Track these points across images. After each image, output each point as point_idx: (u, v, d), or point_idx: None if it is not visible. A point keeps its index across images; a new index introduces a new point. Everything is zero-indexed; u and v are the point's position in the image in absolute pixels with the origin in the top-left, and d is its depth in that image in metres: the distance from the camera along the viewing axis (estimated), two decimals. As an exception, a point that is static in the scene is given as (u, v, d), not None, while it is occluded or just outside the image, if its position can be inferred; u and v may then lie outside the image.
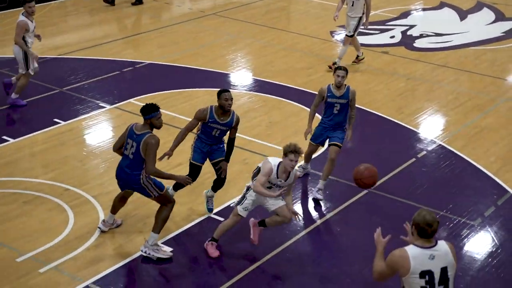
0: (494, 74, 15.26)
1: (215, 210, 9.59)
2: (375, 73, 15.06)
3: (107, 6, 19.30)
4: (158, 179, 8.31)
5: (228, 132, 9.15)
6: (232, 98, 8.99)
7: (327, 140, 10.12)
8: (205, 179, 10.01)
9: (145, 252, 8.42)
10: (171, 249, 8.61)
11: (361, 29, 14.89)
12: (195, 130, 9.19)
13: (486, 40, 17.45)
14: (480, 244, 9.24)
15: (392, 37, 17.50)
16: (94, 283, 8.13)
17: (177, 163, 10.57)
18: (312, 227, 9.50)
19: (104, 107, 12.91)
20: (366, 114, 13.06)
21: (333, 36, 17.28)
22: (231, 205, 9.01)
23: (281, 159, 8.26)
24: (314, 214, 9.84)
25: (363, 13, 14.61)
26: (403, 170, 11.01)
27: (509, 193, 10.43)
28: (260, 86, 14.14)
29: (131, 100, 13.19)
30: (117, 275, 8.31)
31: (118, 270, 8.40)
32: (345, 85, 9.91)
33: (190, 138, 9.40)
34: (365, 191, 10.17)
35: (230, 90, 13.62)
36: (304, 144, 9.73)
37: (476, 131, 12.48)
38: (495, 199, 10.26)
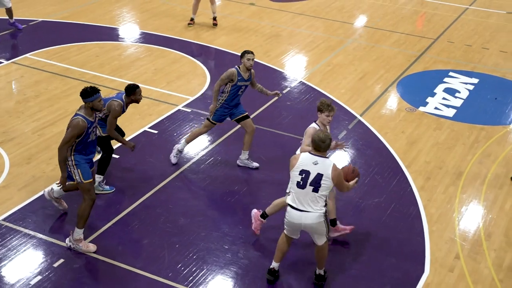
0: (342, 19, 15.61)
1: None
2: (244, 22, 15.04)
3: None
4: (89, 170, 7.32)
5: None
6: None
7: (231, 116, 9.18)
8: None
9: (69, 246, 7.48)
10: (95, 248, 7.48)
11: None
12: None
13: (335, -9, 17.74)
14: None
15: (257, -10, 17.46)
16: (4, 220, 7.90)
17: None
18: (197, 157, 9.54)
19: (2, 62, 12.25)
20: (237, 58, 13.05)
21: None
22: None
23: (315, 124, 7.68)
24: (200, 146, 9.85)
25: None
26: (271, 105, 11.20)
27: (357, 118, 10.86)
28: (145, 38, 13.83)
29: (27, 55, 12.58)
30: (25, 212, 8.09)
31: (26, 207, 8.17)
32: None
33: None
34: (238, 126, 10.29)
35: (118, 42, 13.49)
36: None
37: (329, 68, 12.80)
38: (347, 124, 10.65)
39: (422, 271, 7.45)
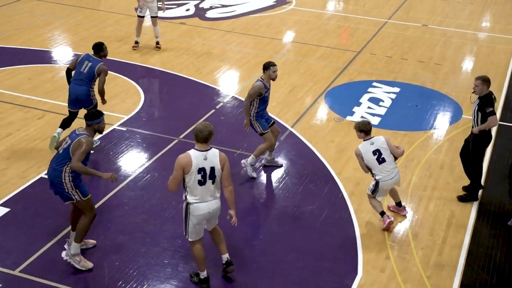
0: (270, 35, 15.78)
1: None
2: (176, 41, 14.99)
3: None
4: (85, 187, 7.25)
5: None
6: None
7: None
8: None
9: (67, 260, 7.34)
10: (92, 265, 7.36)
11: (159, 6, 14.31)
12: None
13: (262, 8, 17.95)
14: (271, 173, 9.68)
15: (187, 10, 17.48)
16: None
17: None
18: (134, 174, 9.41)
19: None
20: (171, 76, 13.04)
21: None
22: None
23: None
24: (137, 163, 9.73)
25: None
26: (205, 120, 11.17)
27: (288, 130, 10.98)
28: (78, 59, 13.57)
29: (-42, 80, 12.16)
30: (-38, 238, 7.77)
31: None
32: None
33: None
34: (175, 141, 10.23)
35: (51, 64, 13.19)
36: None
37: (260, 83, 12.88)
38: (279, 136, 10.73)
39: (356, 273, 7.56)
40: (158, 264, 7.55)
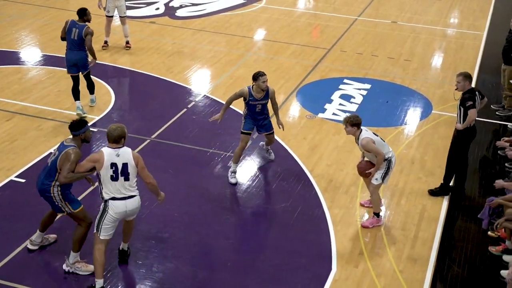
0: (241, 34, 15.79)
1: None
2: (146, 40, 14.91)
3: None
4: (75, 199, 7.29)
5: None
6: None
7: (260, 131, 9.47)
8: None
9: (68, 271, 7.31)
10: (93, 267, 7.20)
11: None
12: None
13: (232, 7, 17.93)
14: (244, 171, 9.69)
15: (157, 9, 17.37)
16: None
17: None
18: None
19: None
20: (141, 76, 12.97)
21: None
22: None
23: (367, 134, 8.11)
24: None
25: None
26: (177, 120, 11.15)
27: (261, 128, 10.99)
28: (47, 60, 13.44)
29: None
30: None
31: None
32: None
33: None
34: (147, 141, 10.20)
35: (18, 65, 13.01)
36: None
37: (232, 81, 12.90)
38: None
39: (330, 269, 7.62)
40: (132, 265, 7.51)
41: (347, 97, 12.40)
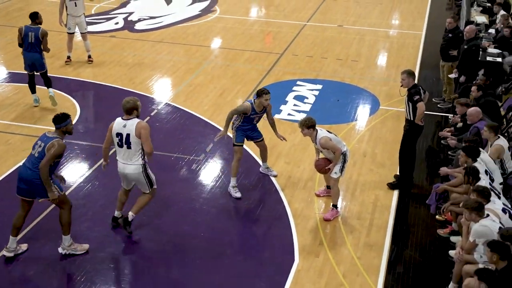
0: (198, 43, 15.73)
1: None
2: (107, 54, 14.72)
3: None
4: (59, 184, 7.42)
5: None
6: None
7: (249, 139, 9.23)
8: None
9: (65, 253, 7.49)
10: (87, 245, 7.62)
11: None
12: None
13: (188, 18, 17.84)
14: (207, 172, 9.67)
15: (117, 23, 17.16)
16: None
17: None
18: (75, 184, 9.19)
19: None
20: (105, 88, 12.81)
21: (68, 28, 16.49)
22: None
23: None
24: (77, 174, 9.50)
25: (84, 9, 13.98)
26: (141, 127, 11.02)
27: (221, 130, 10.95)
28: (12, 77, 13.14)
29: None
30: None
31: None
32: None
33: None
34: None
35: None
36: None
37: (191, 89, 12.85)
38: (212, 137, 10.70)
39: (293, 260, 7.65)
40: (105, 269, 7.41)
41: (300, 98, 12.48)
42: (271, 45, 15.81)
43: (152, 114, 11.60)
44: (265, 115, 9.17)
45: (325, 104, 12.28)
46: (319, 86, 13.09)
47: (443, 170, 8.71)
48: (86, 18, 14.06)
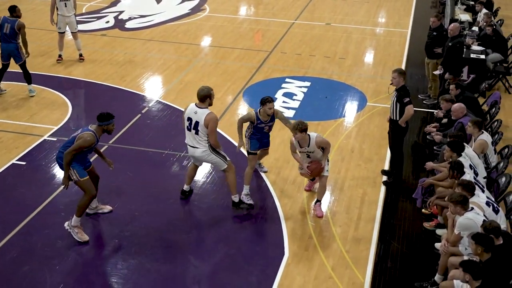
0: (188, 41, 15.70)
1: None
2: (98, 52, 14.65)
3: None
4: (83, 170, 7.67)
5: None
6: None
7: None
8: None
9: (67, 230, 7.71)
10: (87, 239, 7.71)
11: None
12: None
13: (178, 17, 17.79)
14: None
15: (107, 22, 17.08)
16: None
17: None
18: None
19: None
20: (96, 86, 12.76)
21: (58, 27, 16.38)
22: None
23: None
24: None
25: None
26: (132, 125, 11.02)
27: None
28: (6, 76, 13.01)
29: None
30: None
31: None
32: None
33: None
34: (105, 147, 10.04)
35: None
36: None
37: (182, 86, 12.83)
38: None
39: (283, 254, 7.68)
40: (98, 263, 7.41)
41: (289, 95, 12.50)
42: (260, 43, 15.82)
43: (143, 111, 11.58)
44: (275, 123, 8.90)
45: (313, 101, 12.30)
46: (308, 83, 13.12)
47: (429, 164, 8.76)
48: (77, 17, 13.98)
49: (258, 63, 14.18)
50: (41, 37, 15.59)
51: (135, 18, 17.50)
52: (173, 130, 10.84)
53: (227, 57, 14.61)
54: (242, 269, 7.44)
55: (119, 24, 16.93)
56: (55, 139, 10.36)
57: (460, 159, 7.83)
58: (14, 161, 9.62)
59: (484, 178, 8.21)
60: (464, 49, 12.15)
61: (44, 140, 10.33)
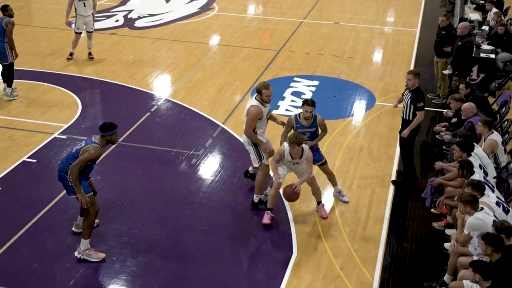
0: (197, 40, 15.68)
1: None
2: (108, 51, 14.65)
3: None
4: (87, 186, 7.29)
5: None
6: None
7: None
8: None
9: (80, 258, 7.33)
10: (104, 255, 7.39)
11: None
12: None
13: (188, 15, 17.78)
14: (206, 167, 9.64)
15: (117, 21, 17.09)
16: None
17: None
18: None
19: None
20: (106, 84, 12.76)
21: (70, 26, 16.39)
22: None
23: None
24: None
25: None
26: (141, 123, 11.01)
27: (220, 126, 10.94)
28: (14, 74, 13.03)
29: None
30: None
31: None
32: (312, 115, 8.32)
33: None
34: (114, 145, 10.03)
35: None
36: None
37: (191, 85, 12.80)
38: (212, 132, 10.71)
39: (291, 253, 7.64)
40: (107, 261, 7.39)
41: (298, 94, 12.45)
42: (268, 42, 15.77)
43: (152, 110, 11.56)
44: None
45: (322, 100, 12.17)
46: (316, 82, 13.06)
47: (438, 164, 8.69)
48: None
49: (267, 62, 14.13)
50: (52, 36, 15.61)
51: (144, 17, 17.50)
52: (182, 128, 10.82)
53: (235, 56, 14.58)
54: (250, 267, 7.41)
55: (129, 23, 16.93)
56: (65, 137, 10.36)
57: (470, 158, 7.76)
58: (24, 158, 9.62)
59: (494, 178, 8.12)
60: (474, 49, 12.04)
61: (55, 137, 10.34)
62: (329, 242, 7.87)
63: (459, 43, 11.37)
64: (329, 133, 10.64)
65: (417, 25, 17.41)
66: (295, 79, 13.22)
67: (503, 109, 10.33)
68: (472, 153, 7.89)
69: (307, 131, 8.33)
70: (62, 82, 12.74)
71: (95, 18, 14.13)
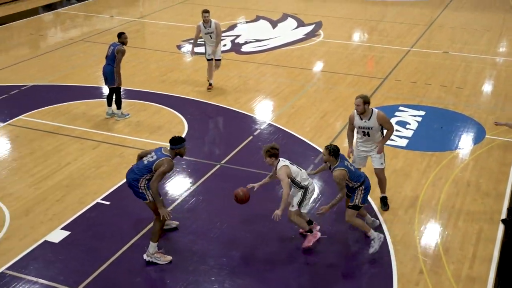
0: (301, 66, 15.82)
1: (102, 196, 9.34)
2: (214, 74, 15.08)
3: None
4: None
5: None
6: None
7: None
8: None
9: (148, 260, 7.77)
10: (171, 257, 7.85)
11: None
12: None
13: (293, 41, 18.02)
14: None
15: (224, 45, 17.60)
16: (7, 269, 7.69)
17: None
18: (181, 198, 9.47)
19: (-2, 125, 12.13)
20: (211, 107, 13.16)
21: (179, 49, 17.17)
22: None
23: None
24: (183, 187, 9.80)
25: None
26: (244, 147, 11.21)
27: (321, 153, 10.88)
28: (127, 94, 13.77)
29: (21, 116, 12.47)
30: (27, 260, 7.90)
31: (27, 255, 7.98)
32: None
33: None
34: (217, 166, 10.28)
35: (102, 99, 13.42)
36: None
37: (294, 110, 12.91)
38: (313, 159, 10.71)
39: (392, 287, 7.42)
40: (206, 281, 7.54)
41: (403, 123, 12.19)
42: (373, 70, 15.61)
43: (255, 133, 11.76)
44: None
45: (428, 130, 11.91)
46: (422, 112, 12.73)
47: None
48: (199, 40, 14.22)
49: (371, 90, 13.99)
50: (163, 58, 16.38)
51: (251, 42, 17.93)
52: (284, 153, 10.83)
53: (340, 83, 14.56)
54: (348, 299, 7.27)
55: (236, 47, 17.42)
56: (171, 156, 10.76)
57: None
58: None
59: None
60: None
61: (161, 156, 10.76)
62: (431, 279, 7.58)
63: None
64: (435, 166, 10.33)
65: (534, 56, 16.56)
66: (400, 108, 12.97)
67: None
68: None
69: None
70: (169, 102, 13.29)
71: (204, 42, 14.54)
